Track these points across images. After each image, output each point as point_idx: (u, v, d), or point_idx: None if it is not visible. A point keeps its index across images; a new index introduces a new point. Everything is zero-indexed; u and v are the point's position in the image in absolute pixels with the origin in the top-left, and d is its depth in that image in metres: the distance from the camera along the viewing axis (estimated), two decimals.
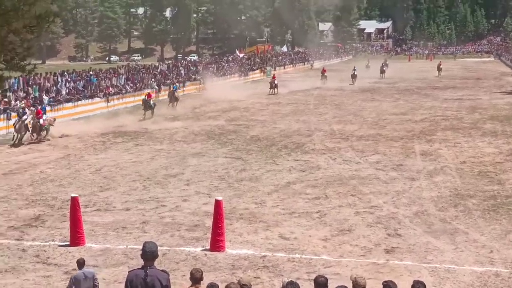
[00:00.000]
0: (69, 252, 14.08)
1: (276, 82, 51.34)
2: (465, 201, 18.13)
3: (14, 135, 28.89)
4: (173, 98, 41.79)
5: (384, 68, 67.42)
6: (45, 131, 29.66)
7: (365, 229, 15.70)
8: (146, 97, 38.00)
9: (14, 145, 28.18)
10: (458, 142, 27.91)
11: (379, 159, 24.45)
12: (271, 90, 50.78)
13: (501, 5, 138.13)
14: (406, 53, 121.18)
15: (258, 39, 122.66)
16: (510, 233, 15.26)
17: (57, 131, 30.74)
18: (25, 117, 28.74)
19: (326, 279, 7.64)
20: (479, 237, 14.94)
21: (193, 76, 56.29)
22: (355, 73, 59.30)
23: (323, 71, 60.41)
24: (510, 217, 16.56)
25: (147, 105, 37.23)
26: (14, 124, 29.37)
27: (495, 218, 16.46)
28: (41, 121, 29.17)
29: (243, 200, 18.46)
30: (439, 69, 70.73)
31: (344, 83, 57.45)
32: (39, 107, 30.48)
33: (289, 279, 7.83)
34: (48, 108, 35.80)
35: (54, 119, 31.77)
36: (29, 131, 28.83)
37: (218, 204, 14.32)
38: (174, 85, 44.79)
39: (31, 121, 28.87)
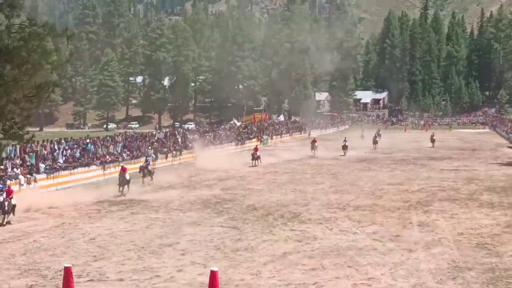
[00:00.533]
0: None
1: (258, 153, 49.21)
2: (463, 274, 17.92)
3: None
4: (146, 172, 37.90)
5: (376, 139, 66.65)
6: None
7: None
8: (121, 171, 34.10)
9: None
10: (455, 213, 27.79)
11: (376, 229, 24.29)
12: (253, 161, 48.61)
13: (495, 77, 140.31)
14: (402, 123, 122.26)
15: (255, 108, 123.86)
16: None
17: (47, 202, 30.24)
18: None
19: None
20: None
21: (190, 145, 56.51)
22: (346, 144, 57.77)
23: (313, 141, 59.27)
24: None
25: (123, 180, 33.50)
26: None
27: None
28: (13, 201, 25.57)
29: (239, 271, 18.22)
30: (432, 140, 70.25)
31: (339, 152, 57.59)
32: (6, 187, 26.67)
33: None
34: (44, 175, 35.87)
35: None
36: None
37: (213, 275, 14.12)
38: (147, 158, 41.20)
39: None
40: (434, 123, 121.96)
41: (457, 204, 30.12)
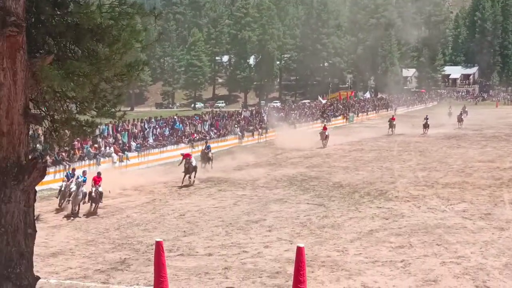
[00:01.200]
0: None
1: (327, 133, 46.81)
2: None
3: (61, 202, 24.59)
4: (205, 158, 35.70)
5: (462, 116, 63.81)
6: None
7: (452, 280, 15.20)
8: (186, 157, 31.47)
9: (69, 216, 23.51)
10: None
11: (466, 207, 23.75)
12: (322, 141, 46.14)
13: None
14: (493, 99, 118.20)
15: (340, 85, 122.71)
16: None
17: (139, 180, 31.09)
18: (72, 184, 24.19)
19: None
20: None
21: (275, 123, 56.70)
22: (428, 122, 55.46)
23: (392, 119, 57.01)
24: None
25: (189, 167, 30.89)
26: (62, 189, 24.58)
27: None
28: (100, 188, 24.16)
29: (325, 248, 18.28)
30: None
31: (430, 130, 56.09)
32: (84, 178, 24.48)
33: None
34: (135, 153, 36.96)
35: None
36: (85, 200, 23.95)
37: (300, 251, 14.20)
38: (207, 145, 37.55)
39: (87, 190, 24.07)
40: None
41: None
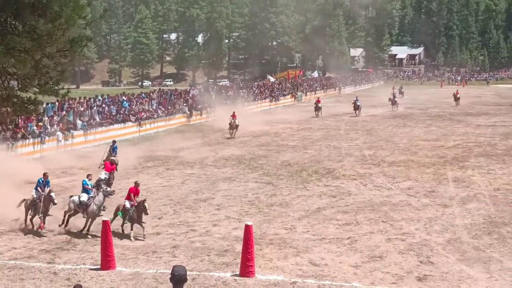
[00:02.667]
0: (100, 276, 14.12)
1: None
2: (499, 229, 17.80)
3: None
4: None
5: (395, 99, 58.96)
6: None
7: (397, 256, 15.49)
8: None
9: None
10: (491, 169, 27.49)
11: (411, 185, 24.19)
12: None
13: None
14: (438, 79, 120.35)
15: (289, 65, 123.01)
16: None
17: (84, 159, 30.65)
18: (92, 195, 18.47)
19: None
20: None
21: (224, 101, 56.52)
22: (357, 103, 52.69)
23: (317, 101, 54.24)
24: None
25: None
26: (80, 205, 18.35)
27: None
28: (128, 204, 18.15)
29: (273, 226, 18.38)
30: (456, 98, 63.24)
31: (372, 110, 56.80)
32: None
33: None
34: (81, 132, 36.38)
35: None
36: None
37: (248, 229, 14.27)
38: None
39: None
40: (471, 79, 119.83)
41: (494, 160, 29.76)
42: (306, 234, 17.43)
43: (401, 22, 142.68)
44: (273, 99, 66.52)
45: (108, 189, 18.82)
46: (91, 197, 18.12)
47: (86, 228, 17.77)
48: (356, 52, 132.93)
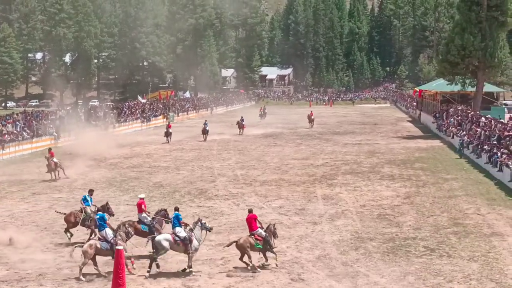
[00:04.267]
0: None
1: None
2: (365, 244, 18.46)
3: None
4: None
5: (243, 123, 55.50)
6: None
7: (269, 275, 15.66)
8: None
9: None
10: (358, 186, 28.55)
11: (282, 204, 24.63)
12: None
13: (395, 53, 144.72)
14: (307, 99, 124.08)
15: (160, 85, 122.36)
16: (408, 274, 15.62)
17: None
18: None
19: None
20: (380, 279, 15.20)
21: (93, 122, 55.21)
22: (207, 128, 50.86)
23: (168, 126, 51.00)
24: (408, 259, 16.98)
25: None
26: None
27: (394, 260, 16.83)
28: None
29: (146, 249, 18.02)
30: (310, 120, 61.95)
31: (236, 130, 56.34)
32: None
33: None
34: None
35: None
36: None
37: (119, 253, 13.91)
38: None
39: None
40: (338, 99, 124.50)
41: (360, 177, 30.94)
42: (179, 256, 17.22)
43: (271, 43, 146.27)
44: (145, 120, 65.78)
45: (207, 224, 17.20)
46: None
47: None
48: (228, 72, 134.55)
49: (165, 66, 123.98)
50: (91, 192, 20.37)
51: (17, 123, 44.79)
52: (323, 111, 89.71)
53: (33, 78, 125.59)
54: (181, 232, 16.32)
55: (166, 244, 16.15)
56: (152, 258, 16.12)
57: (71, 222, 19.26)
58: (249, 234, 16.71)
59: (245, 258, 16.16)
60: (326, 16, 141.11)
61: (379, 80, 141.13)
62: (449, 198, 25.49)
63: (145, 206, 18.41)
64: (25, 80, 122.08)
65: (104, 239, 15.95)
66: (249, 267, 16.11)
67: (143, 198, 18.63)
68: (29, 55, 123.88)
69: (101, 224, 16.37)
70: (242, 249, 16.31)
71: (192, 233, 16.41)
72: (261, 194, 26.56)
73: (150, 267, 15.96)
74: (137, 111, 67.67)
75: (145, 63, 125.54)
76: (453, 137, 44.95)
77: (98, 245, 15.75)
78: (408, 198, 25.61)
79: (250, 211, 17.60)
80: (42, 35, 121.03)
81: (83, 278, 15.31)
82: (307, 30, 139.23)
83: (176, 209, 16.98)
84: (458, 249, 17.92)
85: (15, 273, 15.83)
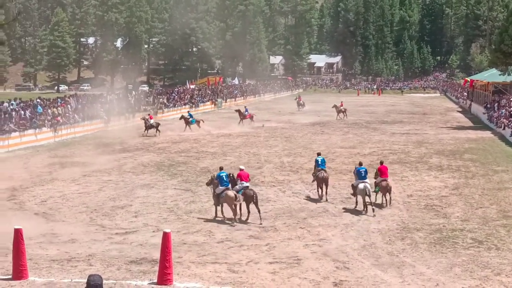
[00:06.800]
0: (11, 286, 13.66)
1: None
2: (412, 234, 18.33)
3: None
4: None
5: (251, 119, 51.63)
6: None
7: (314, 262, 15.70)
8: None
9: None
10: (405, 176, 28.31)
11: (328, 191, 24.53)
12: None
13: (446, 42, 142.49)
14: (355, 87, 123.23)
15: (209, 71, 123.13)
16: (455, 266, 15.46)
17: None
18: None
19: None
20: (426, 270, 15.09)
21: (143, 107, 55.94)
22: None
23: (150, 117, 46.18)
24: (455, 250, 16.80)
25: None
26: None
27: (441, 252, 16.68)
28: None
29: (192, 233, 18.27)
30: (339, 111, 58.37)
31: (291, 116, 57.55)
32: None
33: None
34: None
35: None
36: None
37: (166, 236, 14.13)
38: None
39: None
40: (387, 88, 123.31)
41: (407, 167, 30.67)
42: (225, 241, 17.43)
43: (320, 31, 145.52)
44: (193, 105, 66.33)
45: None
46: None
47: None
48: (276, 59, 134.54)
49: (214, 52, 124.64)
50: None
51: (69, 105, 45.69)
52: (372, 100, 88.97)
53: (85, 63, 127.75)
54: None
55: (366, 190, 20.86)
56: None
57: None
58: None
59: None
60: (376, 4, 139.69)
61: (429, 69, 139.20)
62: (499, 190, 25.08)
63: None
64: (77, 64, 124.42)
65: None
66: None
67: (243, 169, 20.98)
68: (82, 39, 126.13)
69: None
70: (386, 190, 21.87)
71: None
72: (307, 182, 26.55)
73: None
74: (186, 97, 68.25)
75: (194, 49, 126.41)
76: (504, 129, 44.08)
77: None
78: (457, 189, 25.29)
79: (381, 162, 23.37)
80: (94, 20, 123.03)
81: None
82: (357, 17, 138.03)
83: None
84: (507, 242, 17.64)
85: (65, 252, 16.23)
